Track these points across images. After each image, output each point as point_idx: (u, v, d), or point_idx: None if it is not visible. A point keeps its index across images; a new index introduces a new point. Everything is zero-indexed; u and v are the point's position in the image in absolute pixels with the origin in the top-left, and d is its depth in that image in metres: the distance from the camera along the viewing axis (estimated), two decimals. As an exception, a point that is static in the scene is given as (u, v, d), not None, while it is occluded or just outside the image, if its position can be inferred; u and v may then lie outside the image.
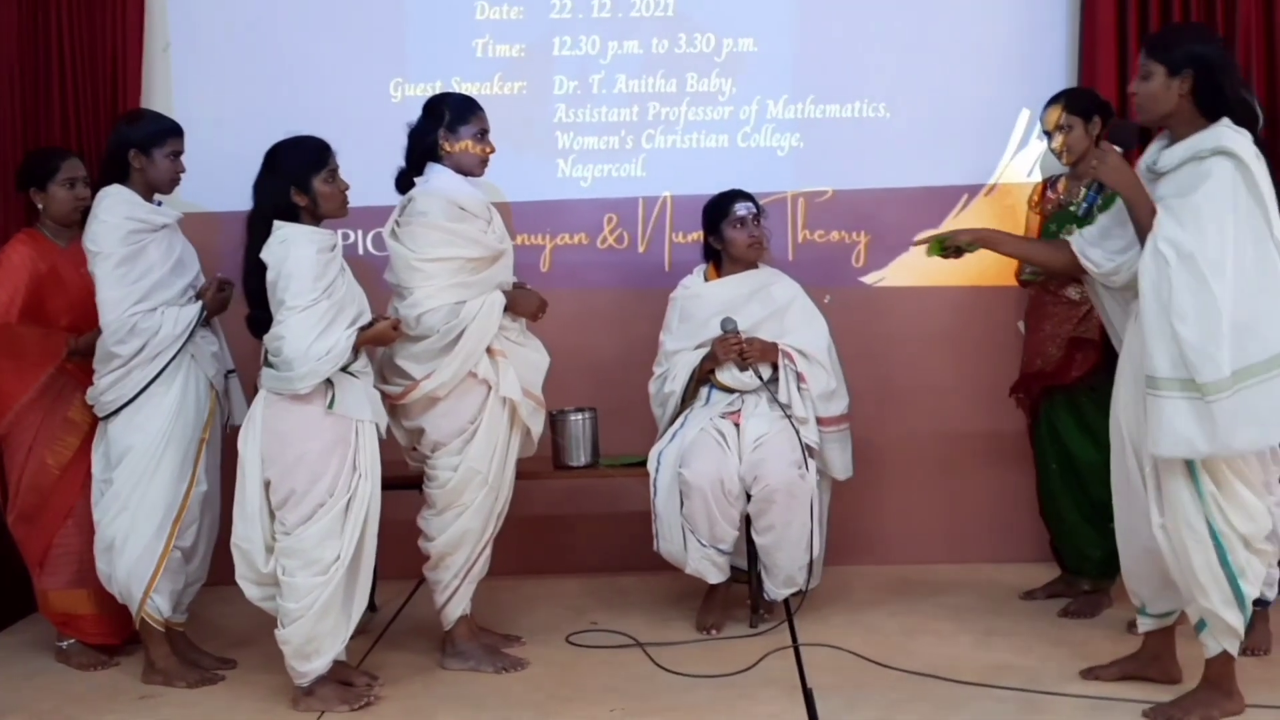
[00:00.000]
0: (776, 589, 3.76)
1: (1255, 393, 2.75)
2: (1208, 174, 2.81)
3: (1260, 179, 2.80)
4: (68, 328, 3.58)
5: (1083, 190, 3.77)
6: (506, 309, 3.47)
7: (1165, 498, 2.91)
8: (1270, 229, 2.79)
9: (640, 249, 4.50)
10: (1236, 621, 2.88)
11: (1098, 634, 3.62)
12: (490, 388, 3.42)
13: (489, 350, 3.42)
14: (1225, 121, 2.86)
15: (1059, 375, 3.81)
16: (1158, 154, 2.96)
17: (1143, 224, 2.90)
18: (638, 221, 4.50)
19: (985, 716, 3.05)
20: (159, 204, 3.54)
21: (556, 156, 4.49)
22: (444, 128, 3.44)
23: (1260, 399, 2.75)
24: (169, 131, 3.51)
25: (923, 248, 3.30)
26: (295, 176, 3.17)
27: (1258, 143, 2.87)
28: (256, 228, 3.19)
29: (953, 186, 4.41)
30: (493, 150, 3.51)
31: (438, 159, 3.46)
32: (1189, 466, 2.84)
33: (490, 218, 3.51)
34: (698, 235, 4.09)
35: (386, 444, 3.36)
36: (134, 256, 3.40)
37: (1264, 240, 2.79)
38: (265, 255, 3.14)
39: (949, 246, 3.24)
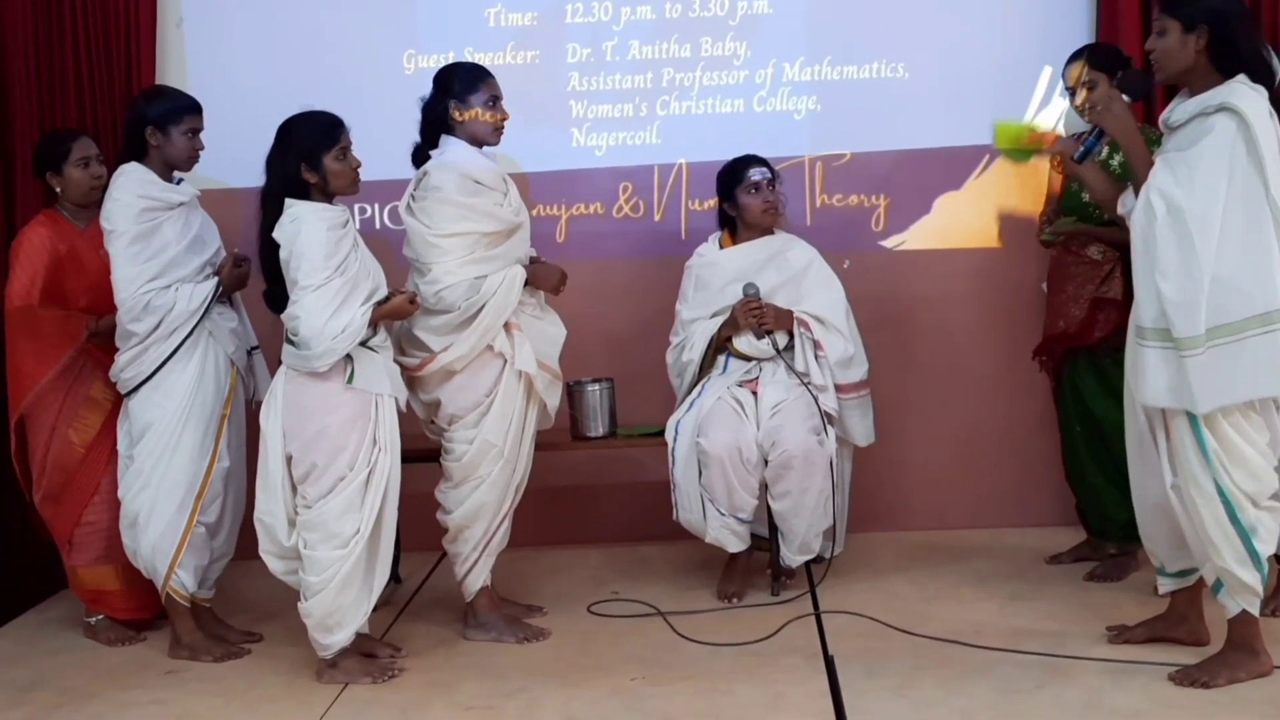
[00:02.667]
0: (792, 555, 3.75)
1: (1226, 351, 2.75)
2: (1209, 130, 2.79)
3: (1262, 138, 2.76)
4: (86, 308, 3.60)
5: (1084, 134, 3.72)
6: (526, 284, 3.45)
7: (1174, 456, 2.89)
8: (1267, 190, 2.76)
9: (656, 217, 4.47)
10: (1253, 580, 2.86)
11: (1124, 598, 3.59)
12: (506, 361, 3.41)
13: (505, 325, 3.41)
14: (1241, 78, 2.83)
15: (1082, 336, 3.77)
16: (1173, 109, 2.94)
17: (1140, 175, 2.89)
18: (653, 189, 4.47)
19: (1009, 681, 3.03)
20: (179, 181, 3.54)
21: (570, 125, 4.46)
22: (454, 98, 3.41)
23: (1231, 358, 2.75)
24: (186, 109, 3.50)
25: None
26: (306, 153, 3.15)
27: (1275, 100, 2.82)
28: (269, 204, 3.18)
29: (974, 146, 4.34)
30: (506, 117, 3.47)
31: (450, 131, 3.44)
32: (1193, 424, 2.82)
33: (506, 190, 3.48)
34: (714, 202, 4.05)
35: (406, 417, 3.37)
36: (148, 234, 3.40)
37: (1258, 201, 2.76)
38: (277, 234, 3.14)
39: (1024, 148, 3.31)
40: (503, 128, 3.48)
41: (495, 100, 3.45)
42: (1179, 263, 2.77)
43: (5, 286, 3.63)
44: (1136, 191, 2.89)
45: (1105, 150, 3.67)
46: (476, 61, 3.66)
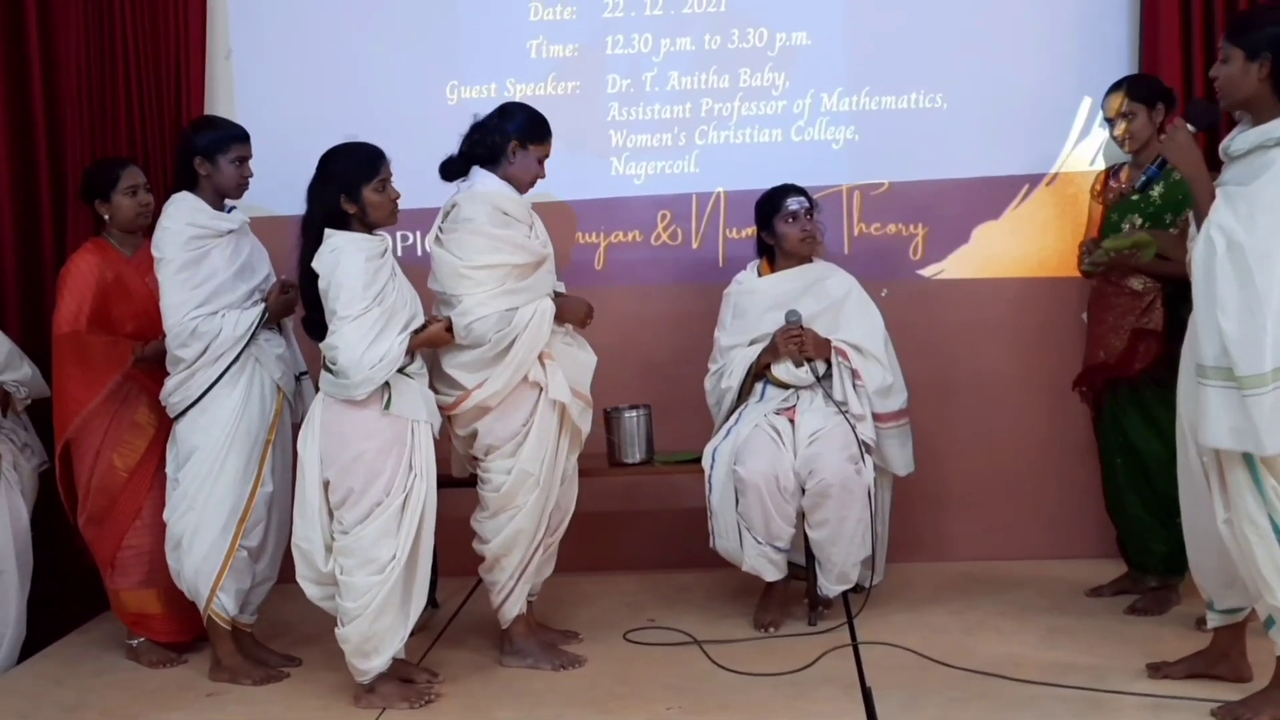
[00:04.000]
0: (830, 585, 3.74)
1: None
2: (1270, 163, 2.75)
3: None
4: (133, 334, 3.66)
5: (1146, 165, 3.70)
6: (555, 317, 3.47)
7: (1228, 492, 2.84)
8: None
9: (694, 245, 4.49)
10: (1306, 618, 2.81)
11: (1165, 631, 3.55)
12: (541, 390, 3.42)
13: (539, 354, 3.43)
14: None
15: (1122, 367, 3.74)
16: (1233, 138, 2.89)
17: (1202, 208, 2.85)
18: (691, 218, 4.48)
19: (1049, 716, 3.00)
20: (230, 209, 3.60)
21: (610, 154, 4.50)
22: (518, 137, 3.45)
23: None
24: (233, 138, 3.56)
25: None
26: (346, 184, 3.19)
27: None
28: (309, 233, 3.23)
29: (1012, 176, 4.34)
30: (544, 177, 3.54)
31: (493, 162, 3.47)
32: (1248, 461, 2.77)
33: (532, 222, 3.51)
34: (751, 230, 4.06)
35: (441, 442, 3.39)
36: (196, 262, 3.46)
37: None
38: (316, 264, 3.18)
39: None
40: (535, 183, 3.54)
41: (544, 158, 3.51)
42: (1239, 300, 2.71)
43: (54, 313, 3.70)
44: (1199, 223, 2.85)
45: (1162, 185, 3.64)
46: (516, 94, 3.70)
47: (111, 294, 3.66)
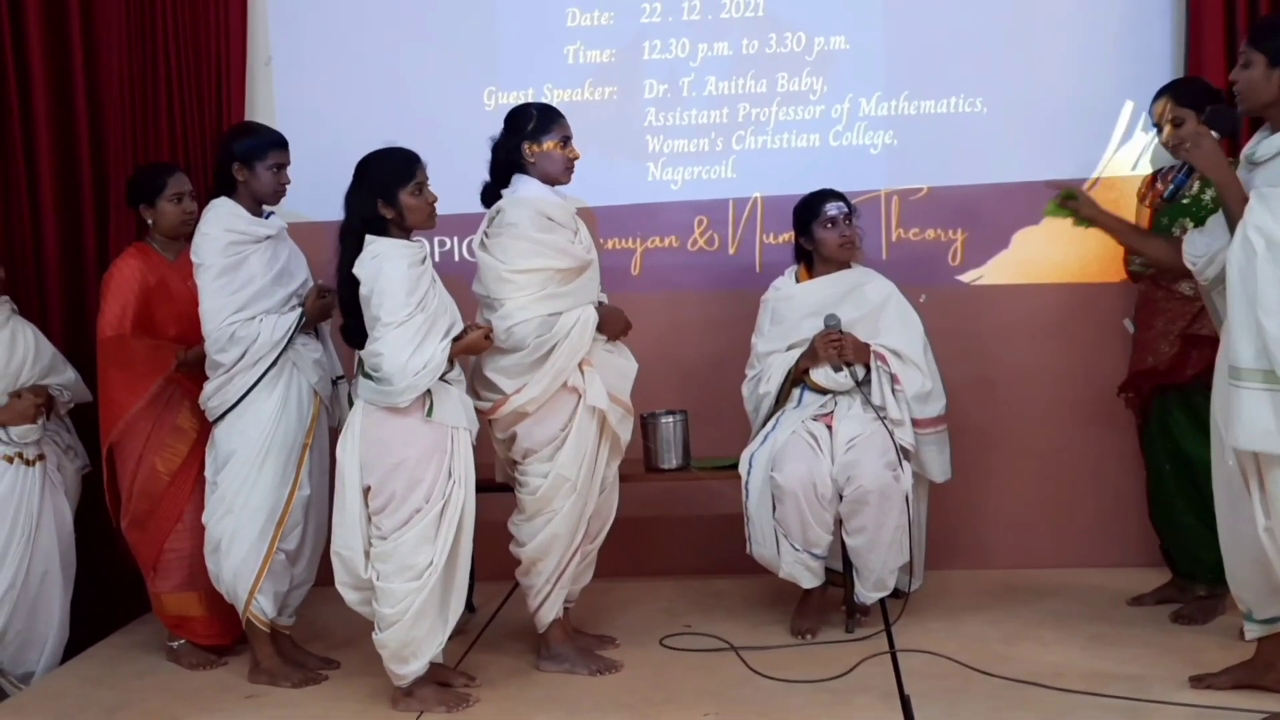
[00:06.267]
0: (867, 592, 3.72)
1: None
2: None
3: None
4: (175, 338, 3.70)
5: (1173, 174, 3.66)
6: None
7: (1268, 499, 2.81)
8: None
9: (731, 251, 4.48)
10: (1348, 629, 2.77)
11: (1210, 641, 3.51)
12: (580, 396, 3.42)
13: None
14: None
15: (1173, 373, 3.69)
16: (1257, 144, 2.88)
17: (1234, 212, 2.83)
18: (728, 223, 4.48)
19: (1089, 726, 2.98)
20: (269, 215, 3.62)
21: (647, 160, 4.50)
22: (527, 137, 3.46)
23: None
24: (271, 144, 3.58)
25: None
26: (382, 189, 3.20)
27: None
28: (348, 239, 3.23)
29: (1053, 181, 4.29)
30: (577, 156, 3.51)
31: (523, 169, 3.48)
32: None
33: (576, 228, 3.51)
34: (789, 236, 4.05)
35: (482, 447, 3.40)
36: (234, 267, 3.48)
37: None
38: (357, 270, 3.18)
39: (1068, 206, 3.26)
40: (574, 166, 3.51)
41: (567, 140, 3.49)
42: None
43: (97, 317, 3.74)
44: (1231, 228, 2.82)
45: (1197, 186, 3.61)
46: (556, 99, 3.70)
47: (154, 298, 3.70)
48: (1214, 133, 2.98)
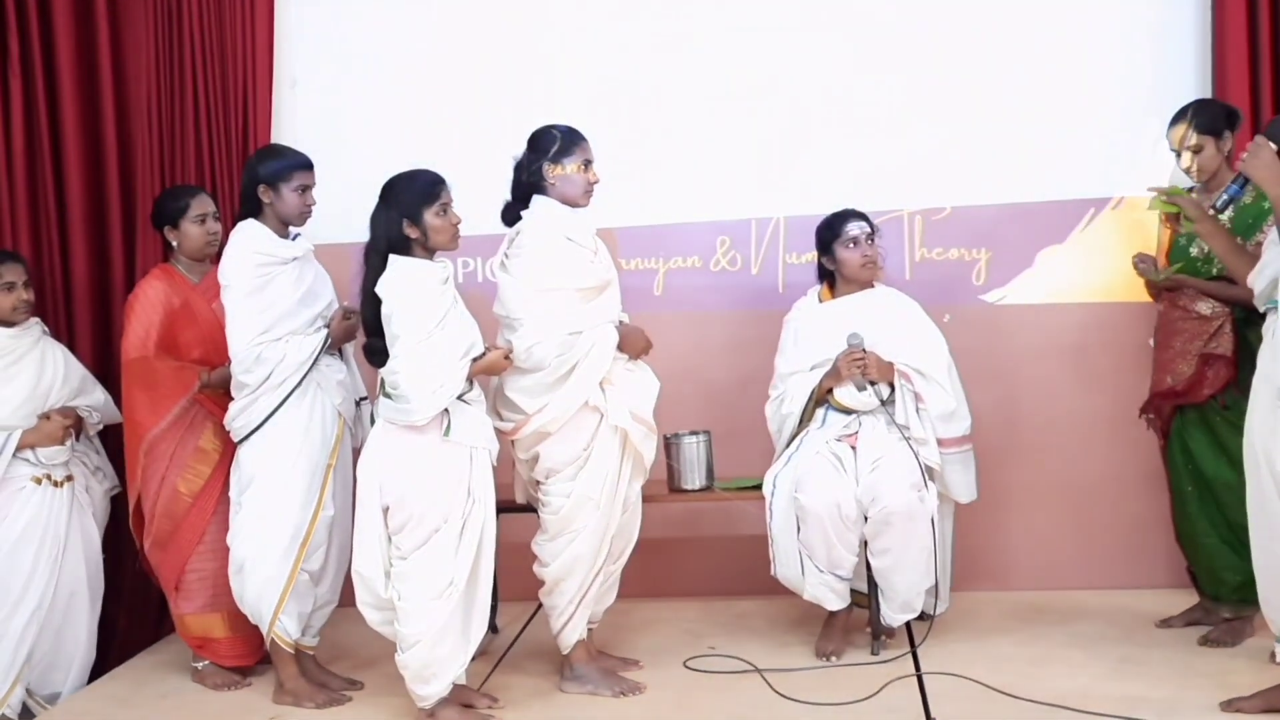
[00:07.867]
0: (893, 614, 3.70)
1: None
2: None
3: None
4: (199, 360, 3.72)
5: (1228, 181, 3.62)
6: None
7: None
8: None
9: (754, 271, 4.48)
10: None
11: (1239, 664, 3.47)
12: (602, 415, 3.42)
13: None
14: None
15: (1190, 393, 3.67)
16: None
17: None
18: (750, 243, 4.48)
19: (1118, 750, 2.95)
20: (295, 236, 3.64)
21: (668, 180, 4.50)
22: (549, 159, 3.47)
23: None
24: (296, 166, 3.60)
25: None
26: (407, 209, 3.22)
27: None
28: (372, 259, 3.25)
29: (1076, 200, 4.30)
30: (597, 180, 3.51)
31: (542, 190, 3.49)
32: None
33: (596, 248, 3.52)
34: (811, 256, 4.05)
35: (502, 467, 3.40)
36: (261, 289, 3.50)
37: None
38: (380, 290, 3.20)
39: (1175, 202, 3.40)
40: (593, 190, 3.51)
41: (588, 163, 3.49)
42: None
43: (122, 339, 3.77)
44: None
45: (1251, 198, 3.56)
46: (576, 120, 3.71)
47: (178, 320, 3.73)
48: (1273, 145, 2.93)
